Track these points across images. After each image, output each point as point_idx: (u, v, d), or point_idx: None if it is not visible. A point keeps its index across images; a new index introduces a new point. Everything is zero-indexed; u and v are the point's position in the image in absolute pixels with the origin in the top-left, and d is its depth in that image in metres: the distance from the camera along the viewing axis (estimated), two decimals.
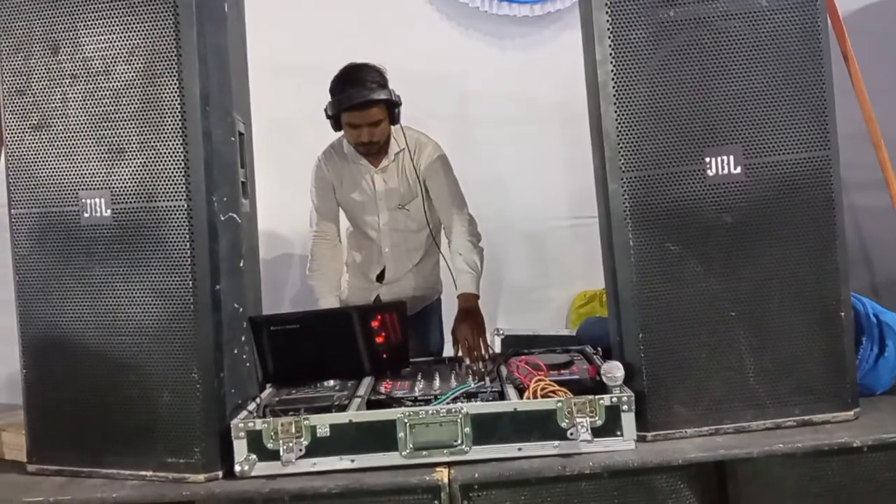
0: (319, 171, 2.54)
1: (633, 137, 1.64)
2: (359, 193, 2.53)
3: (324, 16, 3.17)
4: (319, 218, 2.56)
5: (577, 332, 2.36)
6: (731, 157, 1.65)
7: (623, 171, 1.65)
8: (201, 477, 1.60)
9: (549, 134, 3.27)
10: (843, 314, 1.67)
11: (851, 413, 1.67)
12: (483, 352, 2.18)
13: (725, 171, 1.65)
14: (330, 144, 2.55)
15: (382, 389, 1.80)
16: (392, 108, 2.37)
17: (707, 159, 1.65)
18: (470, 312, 2.30)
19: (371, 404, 1.71)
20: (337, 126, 2.40)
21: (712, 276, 1.65)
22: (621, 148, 1.65)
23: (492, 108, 3.31)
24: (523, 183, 3.35)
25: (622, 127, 1.64)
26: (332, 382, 1.82)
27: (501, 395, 1.71)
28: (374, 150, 2.45)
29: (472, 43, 3.36)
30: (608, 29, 1.64)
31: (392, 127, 2.43)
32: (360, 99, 2.28)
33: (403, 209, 2.52)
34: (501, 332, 2.91)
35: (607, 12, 1.64)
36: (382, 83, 2.34)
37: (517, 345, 2.20)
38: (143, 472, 1.63)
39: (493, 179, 3.25)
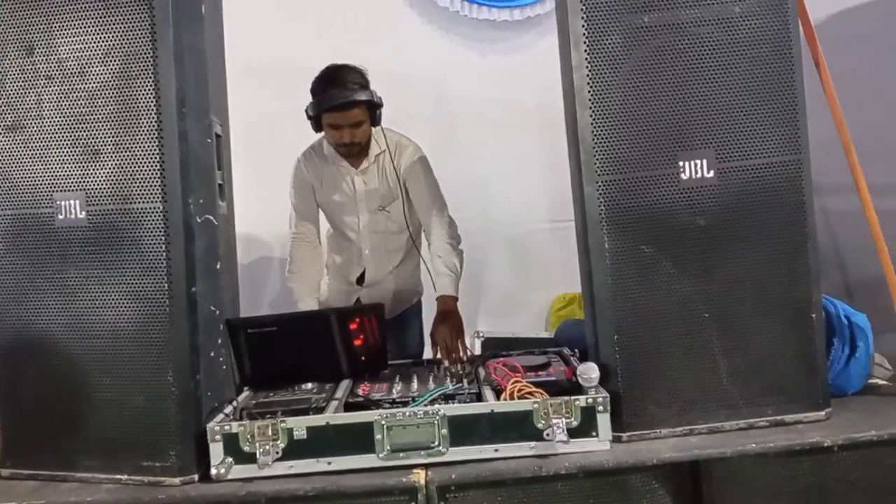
0: (299, 172, 2.54)
1: (608, 141, 1.66)
2: (339, 195, 2.53)
3: (304, 17, 3.18)
4: (299, 219, 2.56)
5: (555, 334, 2.38)
6: (705, 161, 1.67)
7: (598, 175, 1.67)
8: (177, 480, 1.59)
9: (529, 137, 3.29)
10: (814, 315, 1.69)
11: (823, 413, 1.70)
12: (461, 354, 2.19)
13: (699, 174, 1.67)
14: (310, 146, 2.55)
15: (360, 392, 1.80)
16: (373, 109, 2.37)
17: (681, 163, 1.67)
18: (449, 314, 2.30)
19: (348, 407, 1.71)
20: (318, 127, 2.40)
21: (686, 278, 1.67)
22: (596, 152, 1.66)
23: (472, 111, 3.34)
24: (503, 186, 3.38)
25: (597, 131, 1.66)
26: (309, 385, 1.82)
27: (479, 397, 1.72)
28: (356, 152, 2.45)
29: (453, 47, 3.38)
30: (583, 34, 1.65)
31: (373, 128, 2.43)
32: (341, 100, 2.28)
33: (384, 211, 2.53)
34: (481, 334, 2.91)
35: (583, 17, 1.65)
36: (364, 84, 2.35)
37: (497, 347, 2.21)
38: (118, 476, 1.62)
39: (473, 182, 3.27)
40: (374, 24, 3.23)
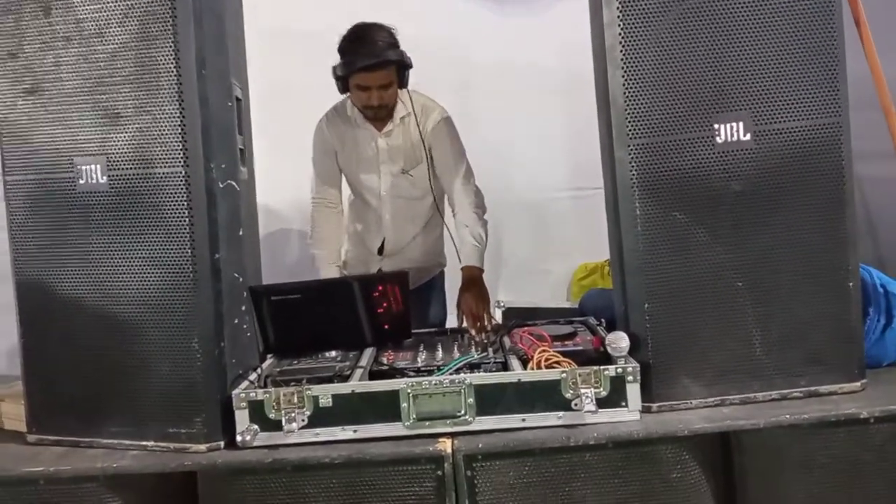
0: (321, 134, 2.48)
1: (641, 103, 1.61)
2: (361, 158, 2.47)
3: None
4: (320, 182, 2.51)
5: (580, 304, 2.34)
6: (741, 124, 1.61)
7: (630, 138, 1.61)
8: (203, 447, 1.58)
9: (550, 104, 3.22)
10: (851, 284, 1.65)
11: (858, 384, 1.66)
12: (487, 322, 2.16)
13: (735, 137, 1.61)
14: (333, 106, 2.49)
15: (385, 360, 1.78)
16: (403, 69, 2.30)
17: (716, 126, 1.61)
18: (474, 283, 2.27)
19: (373, 375, 1.69)
20: (344, 88, 2.33)
21: (720, 246, 1.62)
22: (628, 114, 1.61)
23: (493, 74, 3.26)
24: (524, 153, 3.31)
25: (629, 92, 1.60)
26: (333, 353, 1.80)
27: (505, 366, 1.69)
28: (383, 115, 2.38)
29: (474, 9, 3.29)
30: None
31: (399, 91, 2.37)
32: (372, 60, 2.22)
33: (407, 174, 2.46)
34: (503, 304, 2.88)
35: None
36: (394, 43, 2.28)
37: (519, 317, 2.18)
38: (143, 443, 1.62)
39: (493, 149, 3.19)
40: None
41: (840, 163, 1.63)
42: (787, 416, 1.55)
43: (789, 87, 1.62)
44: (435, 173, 2.46)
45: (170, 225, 1.59)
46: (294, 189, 2.85)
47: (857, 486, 1.57)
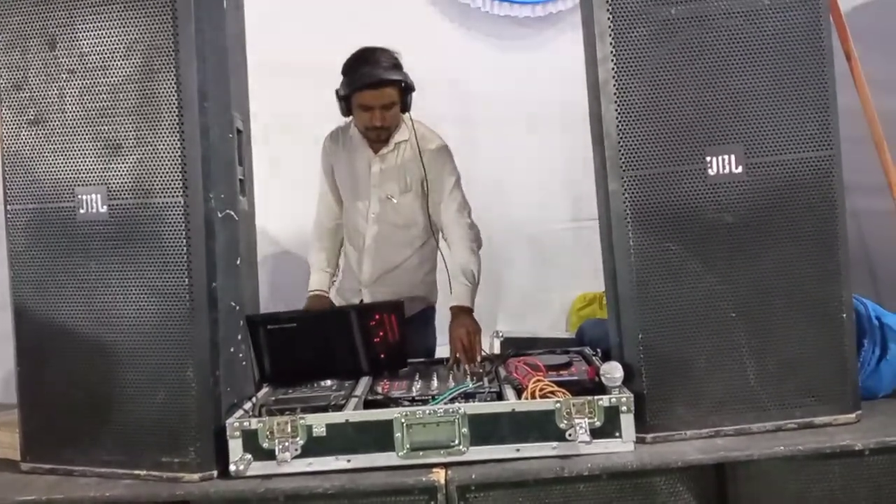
0: (323, 150, 2.52)
1: (634, 136, 1.63)
2: (355, 179, 2.46)
3: (324, 14, 3.16)
4: (322, 196, 2.54)
5: (577, 334, 2.35)
6: (733, 157, 1.63)
7: (623, 171, 1.64)
8: (196, 476, 1.58)
9: (549, 136, 3.26)
10: (844, 315, 1.65)
11: (853, 416, 1.65)
12: (478, 354, 2.13)
13: (727, 170, 1.63)
14: (338, 126, 2.51)
15: (380, 389, 1.78)
16: (406, 92, 2.32)
17: (708, 158, 1.63)
18: (463, 316, 2.24)
19: (368, 404, 1.69)
20: (347, 110, 2.33)
21: (713, 277, 1.64)
22: (622, 146, 1.63)
23: (492, 109, 3.30)
24: (524, 185, 3.34)
25: (623, 125, 1.63)
26: (329, 382, 1.81)
27: (500, 396, 1.69)
28: (384, 137, 2.39)
29: (474, 44, 3.35)
30: (609, 27, 1.63)
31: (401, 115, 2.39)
32: (375, 78, 2.23)
33: (390, 200, 2.42)
34: (501, 334, 2.87)
35: (608, 10, 1.62)
36: (397, 65, 2.30)
37: (517, 347, 2.18)
38: (136, 472, 1.61)
39: (493, 181, 3.23)
40: (394, 20, 3.20)
41: (832, 195, 1.65)
42: (782, 448, 1.54)
43: (781, 120, 1.65)
44: (426, 203, 2.44)
45: (168, 254, 1.61)
46: (293, 216, 2.88)
47: None
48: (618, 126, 1.63)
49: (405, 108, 2.36)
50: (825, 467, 1.55)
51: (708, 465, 1.55)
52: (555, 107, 3.17)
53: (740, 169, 1.63)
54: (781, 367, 1.64)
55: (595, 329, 2.18)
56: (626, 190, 1.63)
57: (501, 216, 3.20)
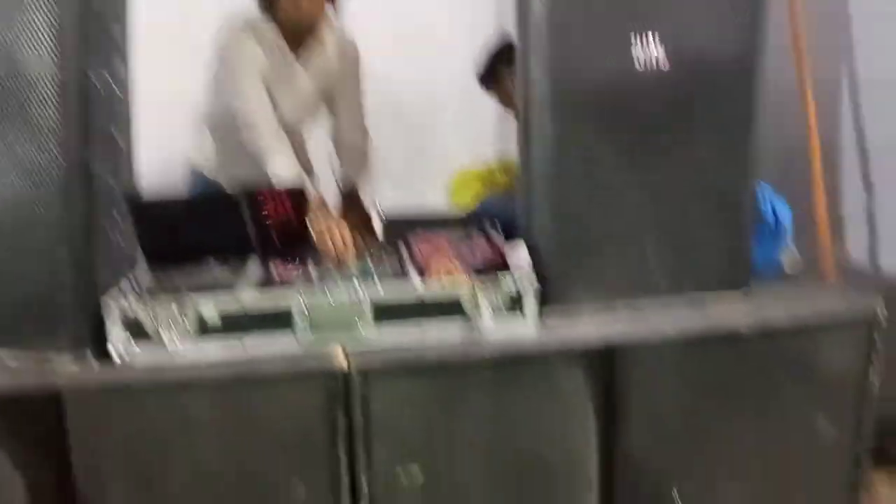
0: (246, 47, 2.13)
1: (558, 22, 1.54)
2: (290, 92, 2.26)
3: None
4: (255, 90, 2.14)
5: (476, 212, 2.29)
6: (658, 46, 1.58)
7: (546, 58, 1.55)
8: (71, 364, 1.45)
9: None
10: (744, 203, 1.69)
11: (743, 299, 1.72)
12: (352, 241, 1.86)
13: (650, 60, 1.58)
14: (243, 20, 2.17)
15: (274, 272, 1.68)
16: None
17: (632, 46, 1.57)
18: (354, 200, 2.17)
19: (263, 286, 1.59)
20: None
21: (627, 166, 1.61)
22: (547, 31, 1.54)
23: None
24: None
25: (548, 10, 1.53)
26: (218, 264, 1.68)
27: (402, 277, 1.63)
28: (305, 28, 2.16)
29: None
30: None
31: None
32: None
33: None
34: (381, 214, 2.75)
35: None
36: None
37: (402, 227, 2.08)
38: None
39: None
40: None
41: (750, 89, 1.64)
42: (673, 329, 1.59)
43: (706, 9, 1.60)
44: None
45: (37, 125, 1.38)
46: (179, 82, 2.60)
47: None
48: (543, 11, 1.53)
49: None
50: (713, 348, 1.62)
51: (603, 345, 1.58)
52: None
53: (663, 59, 1.58)
54: (680, 252, 1.68)
55: (494, 207, 2.15)
56: (546, 77, 1.56)
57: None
